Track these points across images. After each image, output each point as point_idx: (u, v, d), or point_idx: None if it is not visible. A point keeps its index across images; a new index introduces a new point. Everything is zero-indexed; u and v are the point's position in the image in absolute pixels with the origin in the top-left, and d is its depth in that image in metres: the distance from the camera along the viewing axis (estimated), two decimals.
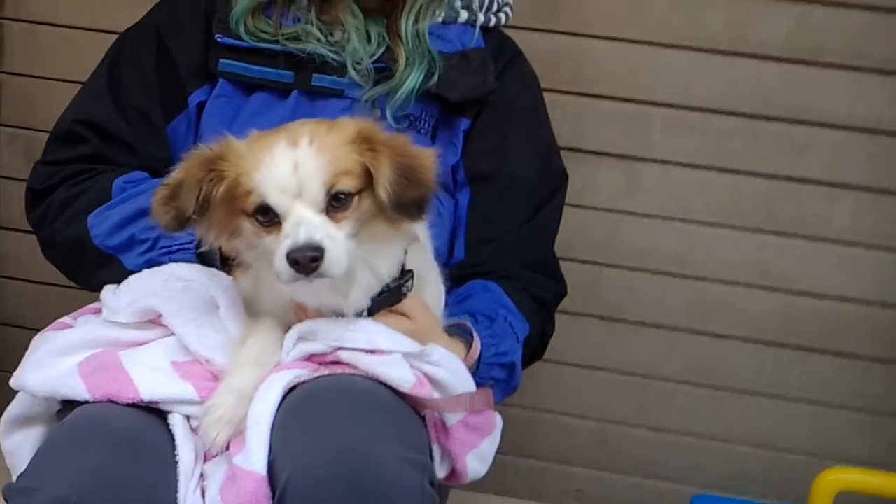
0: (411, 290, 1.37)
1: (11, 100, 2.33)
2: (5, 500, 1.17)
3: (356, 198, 1.25)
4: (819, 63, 2.14)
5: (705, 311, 2.27)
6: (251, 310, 1.39)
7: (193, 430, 1.28)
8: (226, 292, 1.39)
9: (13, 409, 1.38)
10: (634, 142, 2.21)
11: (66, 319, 1.48)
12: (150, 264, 1.46)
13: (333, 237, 1.21)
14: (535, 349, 1.69)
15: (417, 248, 1.40)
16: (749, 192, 2.21)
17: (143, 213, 1.42)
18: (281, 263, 1.20)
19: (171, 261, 1.45)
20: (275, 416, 1.21)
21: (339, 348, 1.28)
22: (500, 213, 1.68)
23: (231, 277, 1.42)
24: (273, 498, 1.17)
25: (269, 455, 1.19)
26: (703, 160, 2.21)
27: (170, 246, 1.47)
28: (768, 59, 2.14)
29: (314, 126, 1.28)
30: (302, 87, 1.64)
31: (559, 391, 2.34)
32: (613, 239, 2.26)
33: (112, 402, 1.27)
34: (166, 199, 1.25)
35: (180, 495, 1.21)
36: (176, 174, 1.26)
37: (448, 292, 1.59)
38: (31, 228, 1.65)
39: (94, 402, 1.28)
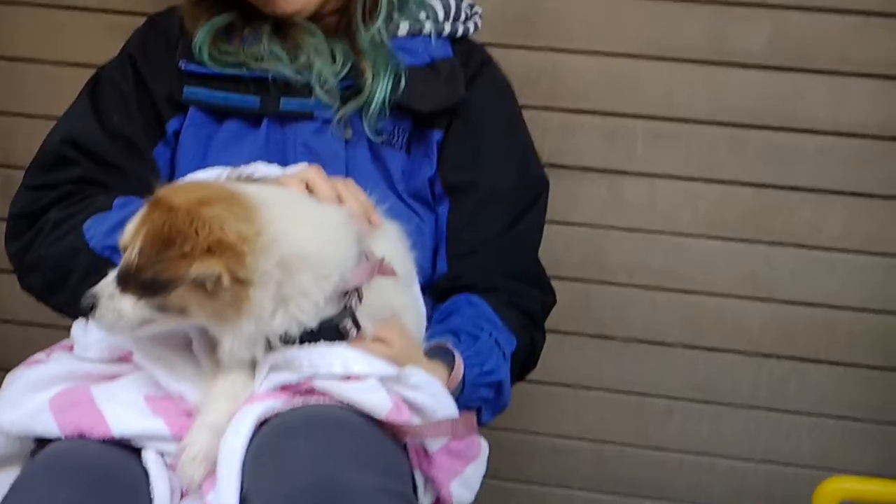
0: (353, 326, 1.29)
1: None
2: None
3: None
4: (801, 69, 2.10)
5: (698, 325, 2.23)
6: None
7: (168, 467, 1.24)
8: (198, 326, 1.35)
9: None
10: (617, 156, 2.18)
11: (39, 356, 1.44)
12: None
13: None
14: (525, 361, 1.65)
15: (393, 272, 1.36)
16: (736, 202, 2.17)
17: None
18: None
19: None
20: (247, 450, 1.17)
21: (313, 376, 1.24)
22: (479, 224, 1.65)
23: None
24: None
25: (242, 491, 1.15)
26: (687, 171, 2.17)
27: None
28: (750, 66, 2.11)
29: None
30: (271, 111, 1.61)
31: (554, 413, 2.29)
32: (600, 255, 2.22)
33: (84, 437, 1.23)
34: None
35: None
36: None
37: (432, 308, 1.55)
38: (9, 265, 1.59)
39: (66, 439, 1.24)
